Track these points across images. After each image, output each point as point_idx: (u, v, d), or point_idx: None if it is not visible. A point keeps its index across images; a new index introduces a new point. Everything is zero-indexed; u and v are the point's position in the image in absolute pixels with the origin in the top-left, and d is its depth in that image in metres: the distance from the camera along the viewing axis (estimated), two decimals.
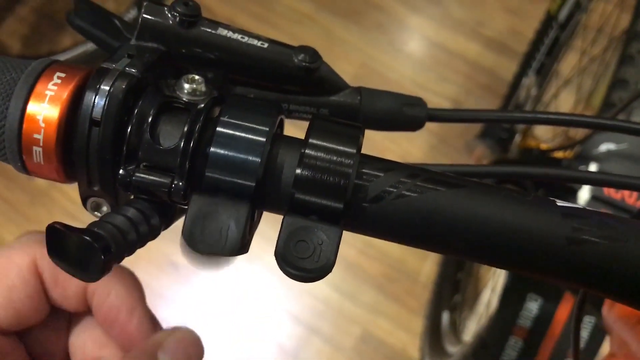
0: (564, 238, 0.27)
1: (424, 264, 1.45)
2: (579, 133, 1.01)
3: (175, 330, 0.36)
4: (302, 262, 0.27)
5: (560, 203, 0.28)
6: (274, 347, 1.35)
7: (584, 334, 0.76)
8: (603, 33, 1.16)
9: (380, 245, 1.44)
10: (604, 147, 0.73)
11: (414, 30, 1.81)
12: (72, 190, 1.67)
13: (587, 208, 0.28)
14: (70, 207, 1.48)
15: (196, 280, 1.40)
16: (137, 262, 1.48)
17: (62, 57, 1.55)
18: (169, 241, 1.62)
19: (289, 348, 1.36)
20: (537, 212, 0.27)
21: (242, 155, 0.27)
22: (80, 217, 1.45)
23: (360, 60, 1.73)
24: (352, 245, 1.45)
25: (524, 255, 0.27)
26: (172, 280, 1.39)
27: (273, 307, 1.39)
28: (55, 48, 1.62)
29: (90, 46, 1.56)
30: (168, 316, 1.36)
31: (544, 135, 1.09)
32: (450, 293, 1.30)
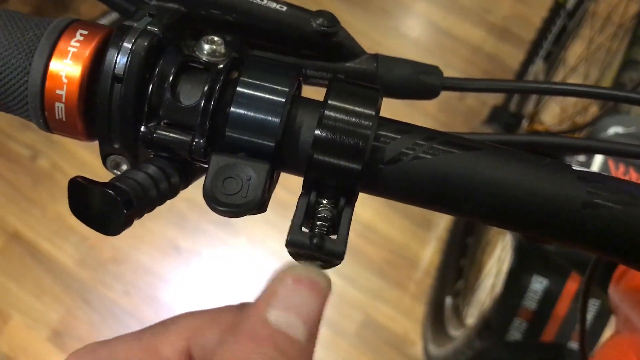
0: (580, 201, 0.27)
1: (426, 250, 1.45)
2: (586, 119, 1.00)
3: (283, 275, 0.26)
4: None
5: (576, 167, 0.28)
6: None
7: (588, 316, 0.76)
8: (611, 21, 1.16)
9: (382, 231, 1.44)
10: (612, 130, 0.73)
11: (420, 16, 1.80)
12: (75, 171, 1.66)
13: (603, 173, 0.28)
14: None
15: (198, 264, 1.41)
16: (140, 245, 1.48)
17: None
18: (172, 225, 1.60)
19: None
20: (553, 175, 0.27)
21: (261, 116, 0.27)
22: None
23: (365, 45, 1.70)
24: (353, 229, 1.44)
25: (539, 218, 0.27)
26: (175, 264, 1.40)
27: None
28: None
29: None
30: (170, 299, 1.36)
31: (550, 121, 1.09)
32: (454, 279, 1.30)
